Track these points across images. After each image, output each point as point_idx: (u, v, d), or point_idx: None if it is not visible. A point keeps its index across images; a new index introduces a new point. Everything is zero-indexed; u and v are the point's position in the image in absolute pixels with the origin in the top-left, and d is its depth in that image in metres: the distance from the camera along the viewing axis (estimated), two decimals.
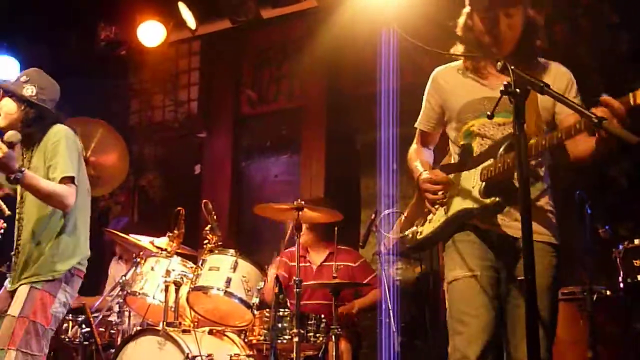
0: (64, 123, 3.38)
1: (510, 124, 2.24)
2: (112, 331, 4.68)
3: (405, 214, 2.83)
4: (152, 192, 6.95)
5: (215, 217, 4.04)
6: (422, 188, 2.68)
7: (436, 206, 2.66)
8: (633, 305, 3.57)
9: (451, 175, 2.67)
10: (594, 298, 3.51)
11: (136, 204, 7.06)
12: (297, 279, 3.69)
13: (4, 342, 3.03)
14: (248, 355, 3.87)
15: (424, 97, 2.85)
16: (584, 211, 3.60)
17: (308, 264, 4.64)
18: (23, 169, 3.10)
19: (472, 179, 2.58)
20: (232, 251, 3.91)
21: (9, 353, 3.00)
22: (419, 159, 2.82)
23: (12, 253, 3.34)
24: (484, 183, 2.53)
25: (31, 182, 3.11)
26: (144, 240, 4.49)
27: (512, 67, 1.92)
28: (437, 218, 2.67)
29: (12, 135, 3.10)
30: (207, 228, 4.02)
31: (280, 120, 6.54)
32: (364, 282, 4.45)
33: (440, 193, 2.63)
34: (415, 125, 2.89)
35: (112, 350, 3.97)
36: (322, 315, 4.00)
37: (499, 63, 1.96)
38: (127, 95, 7.38)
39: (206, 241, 4.00)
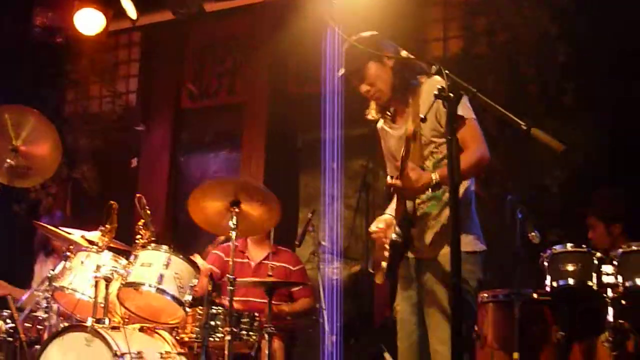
0: None
1: None
2: (38, 327, 4.54)
3: None
4: (87, 185, 6.78)
5: (148, 212, 3.95)
6: None
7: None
8: (558, 309, 3.67)
9: None
10: (522, 301, 3.59)
11: (69, 197, 6.87)
12: (230, 276, 3.65)
13: None
14: (179, 353, 3.81)
15: None
16: (514, 216, 3.68)
17: (247, 260, 4.59)
18: None
19: None
20: (165, 247, 3.83)
21: None
22: (392, 205, 3.05)
23: None
24: None
25: None
26: (75, 234, 4.37)
27: (447, 72, 1.95)
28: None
29: None
30: (140, 223, 3.94)
31: (221, 116, 6.48)
32: (297, 288, 4.45)
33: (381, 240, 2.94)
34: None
35: (38, 347, 3.84)
36: (256, 314, 3.98)
37: (433, 67, 1.99)
38: (62, 84, 7.18)
39: (139, 236, 3.92)
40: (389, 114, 3.04)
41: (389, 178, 2.73)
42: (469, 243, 2.89)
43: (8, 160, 4.50)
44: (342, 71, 2.98)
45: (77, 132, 6.78)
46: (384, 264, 2.90)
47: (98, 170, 6.79)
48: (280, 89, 6.18)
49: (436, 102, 2.18)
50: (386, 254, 2.88)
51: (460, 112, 2.79)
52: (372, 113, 3.07)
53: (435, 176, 2.68)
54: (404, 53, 2.92)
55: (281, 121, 6.09)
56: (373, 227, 2.94)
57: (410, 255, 2.97)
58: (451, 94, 1.91)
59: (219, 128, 6.45)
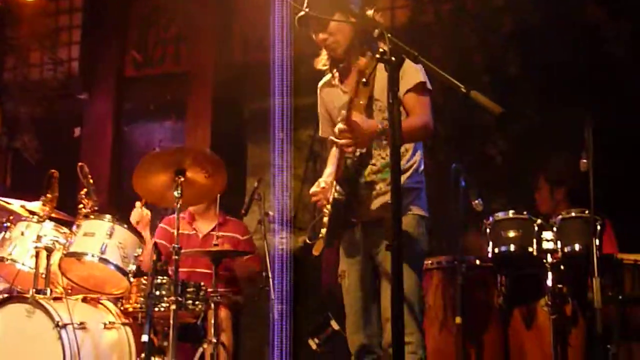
0: None
1: None
2: None
3: None
4: (28, 155, 6.59)
5: (91, 180, 3.87)
6: None
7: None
8: (500, 275, 3.76)
9: None
10: (464, 267, 3.66)
11: (9, 167, 6.68)
12: (175, 245, 3.60)
13: None
14: (123, 324, 3.77)
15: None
16: (458, 184, 3.74)
17: (194, 232, 4.53)
18: None
19: None
20: (108, 216, 3.76)
21: None
22: (329, 165, 3.06)
23: None
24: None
25: None
26: (14, 204, 4.25)
27: (389, 35, 1.95)
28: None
29: None
30: (82, 192, 3.85)
31: (166, 85, 6.38)
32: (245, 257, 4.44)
33: (321, 202, 2.91)
34: (319, 134, 3.19)
35: None
36: (202, 283, 3.95)
37: (376, 30, 1.98)
38: (1, 51, 6.93)
39: (81, 206, 3.83)
40: (336, 71, 3.03)
41: (336, 129, 2.71)
42: (423, 208, 2.98)
43: None
44: (303, 13, 2.86)
45: (17, 100, 6.58)
46: (323, 231, 2.89)
47: (40, 140, 6.60)
48: (226, 57, 6.09)
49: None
50: (325, 220, 2.87)
51: (416, 78, 2.83)
52: (322, 62, 3.04)
53: (382, 125, 2.71)
54: (369, 13, 2.84)
55: (227, 90, 6.02)
56: (313, 189, 2.93)
57: (354, 220, 2.98)
58: (393, 58, 1.92)
59: (164, 97, 6.36)
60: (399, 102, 1.92)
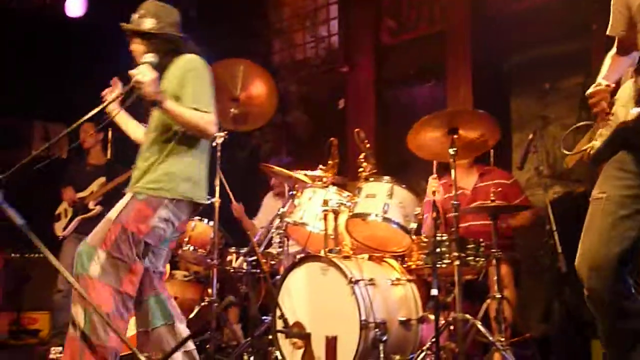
0: (199, 54, 3.29)
1: None
2: (272, 262, 4.91)
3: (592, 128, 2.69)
4: (299, 129, 7.10)
5: (368, 145, 4.06)
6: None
7: (607, 119, 2.53)
8: None
9: (625, 85, 2.51)
10: None
11: (284, 141, 7.24)
12: (454, 202, 3.65)
13: (97, 241, 3.02)
14: (408, 280, 3.92)
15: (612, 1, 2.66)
16: None
17: (460, 190, 4.54)
18: (163, 92, 3.07)
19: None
20: (387, 178, 3.92)
21: (99, 253, 2.99)
22: (603, 69, 2.69)
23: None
24: None
25: (172, 107, 3.06)
26: (297, 174, 4.61)
27: None
28: (605, 132, 2.55)
29: (150, 56, 3.09)
30: (361, 157, 4.06)
31: (423, 48, 6.38)
32: (516, 201, 4.40)
33: (601, 104, 2.52)
34: (607, 32, 2.71)
35: (278, 277, 4.15)
36: (481, 239, 3.96)
37: None
38: (268, 36, 7.51)
39: (361, 169, 4.04)
40: None
41: None
42: None
43: (232, 110, 4.86)
44: None
45: (287, 79, 7.09)
46: (595, 143, 2.57)
47: (308, 114, 7.07)
48: (481, 12, 5.93)
49: None
50: (602, 133, 2.54)
51: None
52: None
53: None
54: None
55: (485, 45, 5.86)
56: (592, 89, 2.58)
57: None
58: None
59: (422, 60, 6.37)
60: None
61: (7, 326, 6.25)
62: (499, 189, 4.27)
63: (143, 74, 2.99)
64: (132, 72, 3.02)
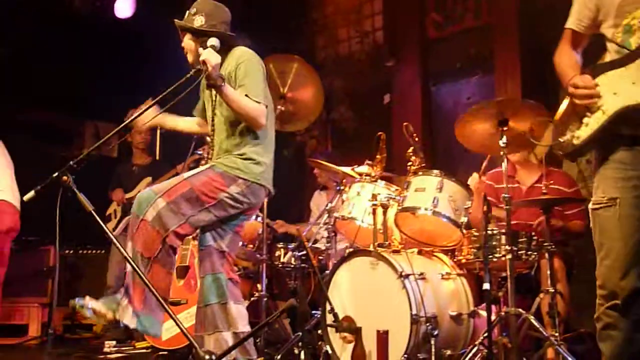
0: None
1: None
2: (320, 257, 4.92)
3: (557, 118, 2.74)
4: (344, 124, 7.10)
5: (417, 138, 4.03)
6: (570, 93, 2.62)
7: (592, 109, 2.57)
8: None
9: (605, 75, 2.57)
10: None
11: (329, 137, 7.25)
12: (505, 195, 3.60)
13: (161, 191, 3.14)
14: (458, 274, 3.89)
15: None
16: None
17: (517, 184, 4.45)
18: (224, 77, 3.17)
19: (632, 75, 2.49)
20: (436, 172, 3.88)
21: (158, 201, 3.10)
22: (569, 61, 2.74)
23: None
24: None
25: (231, 93, 3.17)
26: (345, 169, 4.61)
27: None
28: (594, 120, 2.57)
29: (213, 40, 3.21)
30: (409, 150, 4.03)
31: (469, 41, 6.32)
32: (573, 211, 4.25)
33: (588, 98, 2.56)
34: (566, 26, 2.79)
35: (327, 272, 4.16)
36: (533, 234, 3.89)
37: None
38: (313, 32, 7.52)
39: (409, 163, 4.02)
40: None
41: None
42: None
43: (278, 107, 4.88)
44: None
45: (331, 75, 7.09)
46: (579, 133, 2.61)
47: (353, 110, 7.06)
48: (530, 2, 5.84)
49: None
50: (589, 122, 2.58)
51: None
52: None
53: None
54: None
55: (533, 36, 5.76)
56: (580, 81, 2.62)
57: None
58: None
59: (469, 53, 6.30)
60: None
61: (62, 320, 6.41)
62: (556, 193, 4.18)
63: (211, 54, 3.11)
64: (201, 51, 3.18)
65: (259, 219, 5.06)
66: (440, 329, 3.57)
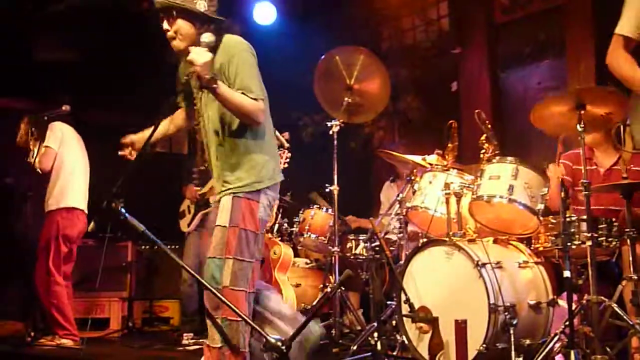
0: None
1: None
2: (391, 248, 4.91)
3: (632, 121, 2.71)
4: (411, 114, 7.04)
5: (489, 125, 3.97)
6: None
7: None
8: None
9: None
10: None
11: (396, 127, 7.21)
12: (584, 181, 3.49)
13: (221, 251, 3.07)
14: (536, 262, 3.81)
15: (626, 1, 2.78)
16: None
17: (594, 167, 4.30)
18: (217, 77, 2.98)
19: None
20: (511, 158, 3.80)
21: (227, 262, 3.04)
22: (632, 65, 2.82)
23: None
24: None
25: (224, 91, 2.99)
26: (415, 159, 4.58)
27: None
28: None
29: (207, 36, 3.03)
30: (482, 138, 3.97)
31: (538, 24, 6.16)
32: None
33: None
34: (618, 32, 2.87)
35: (400, 263, 4.15)
36: (614, 219, 3.77)
37: None
38: (377, 23, 7.48)
39: (483, 151, 3.96)
40: None
41: None
42: None
43: (345, 99, 4.89)
44: None
45: (397, 65, 7.03)
46: None
47: (420, 99, 6.99)
48: None
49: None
50: None
51: None
52: None
53: None
54: None
55: (608, 17, 5.55)
56: None
57: None
58: None
59: (538, 37, 6.14)
60: None
61: (140, 314, 6.61)
62: (637, 175, 4.03)
63: (199, 54, 2.95)
64: (192, 48, 3.00)
65: (330, 211, 5.10)
66: (519, 318, 3.51)
